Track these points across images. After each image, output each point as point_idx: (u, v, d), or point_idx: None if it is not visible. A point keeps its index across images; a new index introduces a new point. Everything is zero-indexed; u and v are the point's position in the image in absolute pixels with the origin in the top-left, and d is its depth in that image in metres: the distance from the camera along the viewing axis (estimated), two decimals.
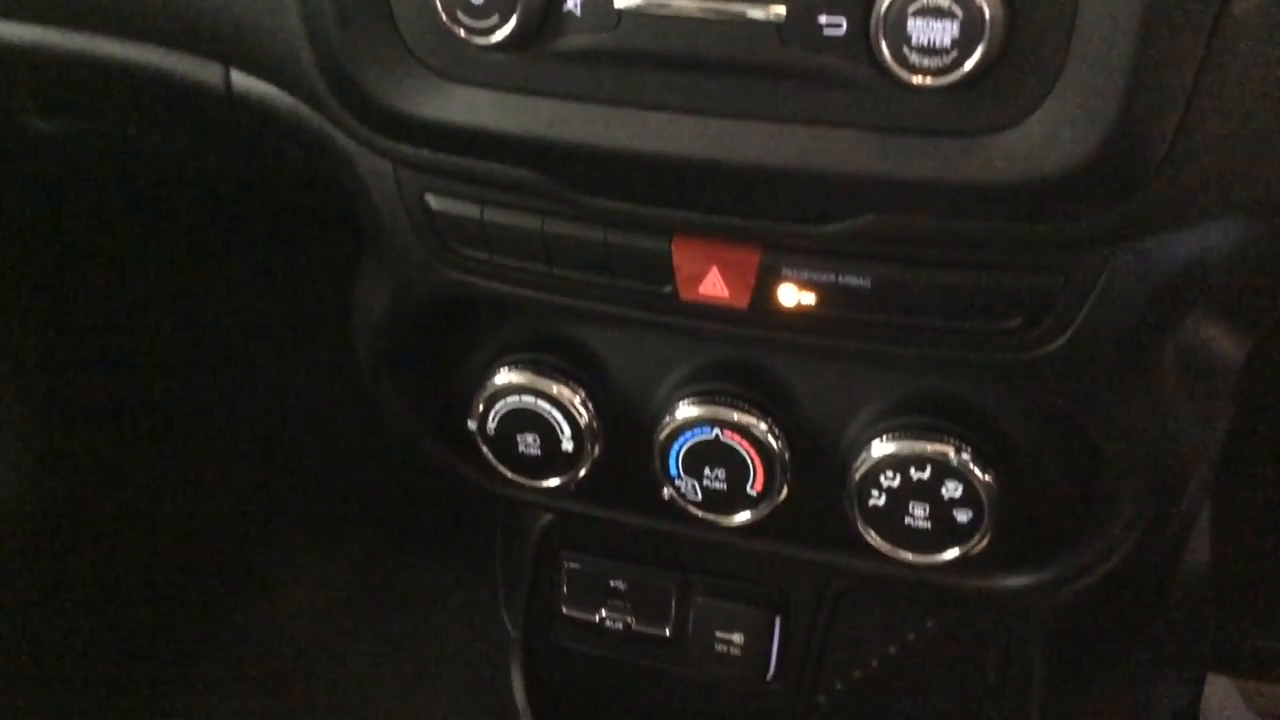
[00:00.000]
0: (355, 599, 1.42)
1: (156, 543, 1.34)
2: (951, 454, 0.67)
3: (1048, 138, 0.51)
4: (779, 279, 0.62)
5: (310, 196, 0.89)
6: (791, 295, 0.63)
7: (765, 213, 0.59)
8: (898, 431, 0.68)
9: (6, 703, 1.22)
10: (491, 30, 0.56)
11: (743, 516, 0.73)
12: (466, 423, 0.76)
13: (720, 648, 0.89)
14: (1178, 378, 0.64)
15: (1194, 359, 0.65)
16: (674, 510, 0.75)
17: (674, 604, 0.90)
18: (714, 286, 0.64)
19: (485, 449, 0.76)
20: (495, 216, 0.65)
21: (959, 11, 0.49)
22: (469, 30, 0.56)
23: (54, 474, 1.21)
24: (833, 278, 0.61)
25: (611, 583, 0.90)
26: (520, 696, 0.95)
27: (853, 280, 0.61)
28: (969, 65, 0.50)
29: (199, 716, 1.35)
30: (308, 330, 1.22)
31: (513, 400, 0.74)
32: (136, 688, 1.31)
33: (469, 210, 0.66)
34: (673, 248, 0.63)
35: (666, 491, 0.75)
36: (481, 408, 0.74)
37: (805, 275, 0.62)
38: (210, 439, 1.35)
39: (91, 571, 1.29)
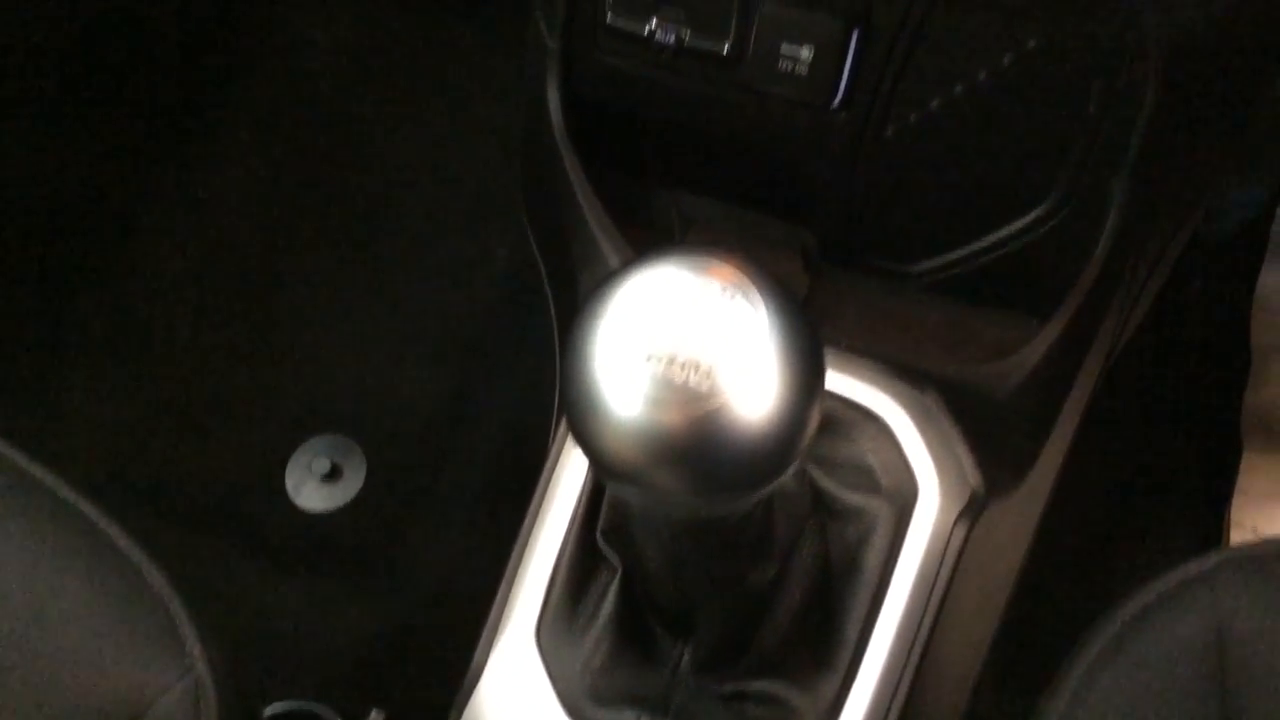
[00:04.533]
0: (377, 53, 1.32)
1: None
2: None
3: None
4: None
5: None
6: None
7: None
8: None
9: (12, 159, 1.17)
10: None
11: None
12: None
13: (784, 64, 0.78)
14: None
15: None
16: None
17: (736, 11, 0.78)
18: None
19: None
20: None
21: None
22: None
23: None
24: None
25: None
26: (557, 118, 0.86)
27: None
28: None
29: (215, 162, 1.30)
30: None
31: None
32: (132, 149, 1.26)
33: None
34: None
35: None
36: None
37: None
38: None
39: (90, 31, 1.19)
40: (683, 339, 0.43)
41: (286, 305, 1.25)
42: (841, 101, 0.79)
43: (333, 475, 1.16)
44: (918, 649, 0.69)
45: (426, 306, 1.24)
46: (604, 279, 0.46)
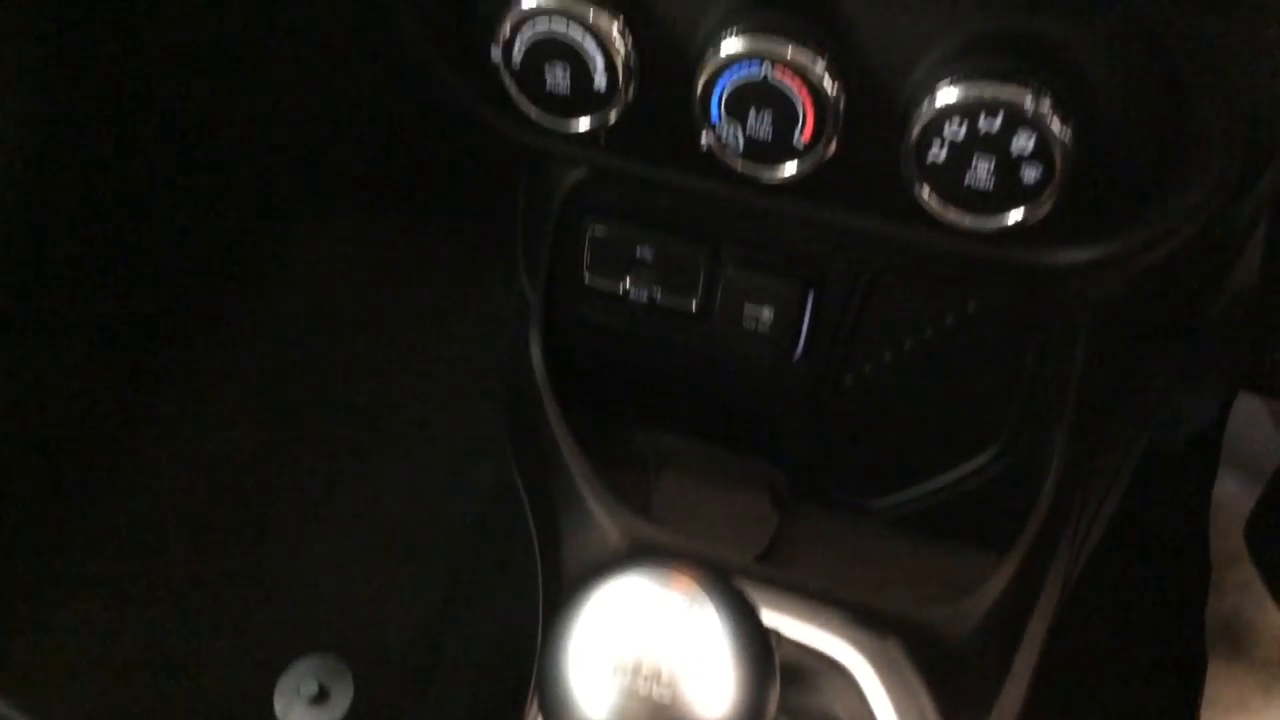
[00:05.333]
0: (368, 272, 1.39)
1: (157, 218, 1.30)
2: (1028, 100, 0.60)
3: None
4: None
5: None
6: None
7: None
8: (968, 73, 0.61)
9: (13, 377, 1.22)
10: None
11: (787, 169, 0.67)
12: (489, 51, 0.69)
13: (748, 323, 0.85)
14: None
15: None
16: (711, 163, 0.69)
17: (702, 275, 0.85)
18: None
19: (509, 82, 0.69)
20: None
21: None
22: None
23: (50, 148, 1.16)
24: None
25: (637, 251, 0.85)
26: (539, 368, 0.92)
27: None
28: None
29: (200, 391, 1.35)
30: None
31: (542, 25, 0.66)
32: (133, 368, 1.30)
33: None
34: None
35: (705, 140, 0.68)
36: (508, 33, 0.67)
37: None
38: (210, 107, 1.28)
39: (94, 250, 1.26)
40: (646, 651, 0.48)
41: (279, 524, 1.29)
42: (802, 355, 0.86)
43: (321, 697, 1.18)
44: None
45: (413, 524, 1.28)
46: (579, 586, 0.51)
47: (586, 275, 0.88)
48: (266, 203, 1.35)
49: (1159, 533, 1.25)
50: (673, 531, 0.83)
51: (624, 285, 0.87)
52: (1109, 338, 0.84)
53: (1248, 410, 1.28)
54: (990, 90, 0.60)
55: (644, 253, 0.86)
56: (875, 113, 0.65)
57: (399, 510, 1.30)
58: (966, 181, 0.63)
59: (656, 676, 0.47)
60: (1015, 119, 0.60)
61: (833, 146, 0.66)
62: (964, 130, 0.62)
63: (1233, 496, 1.28)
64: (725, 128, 0.66)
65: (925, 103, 0.62)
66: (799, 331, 0.84)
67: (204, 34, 1.17)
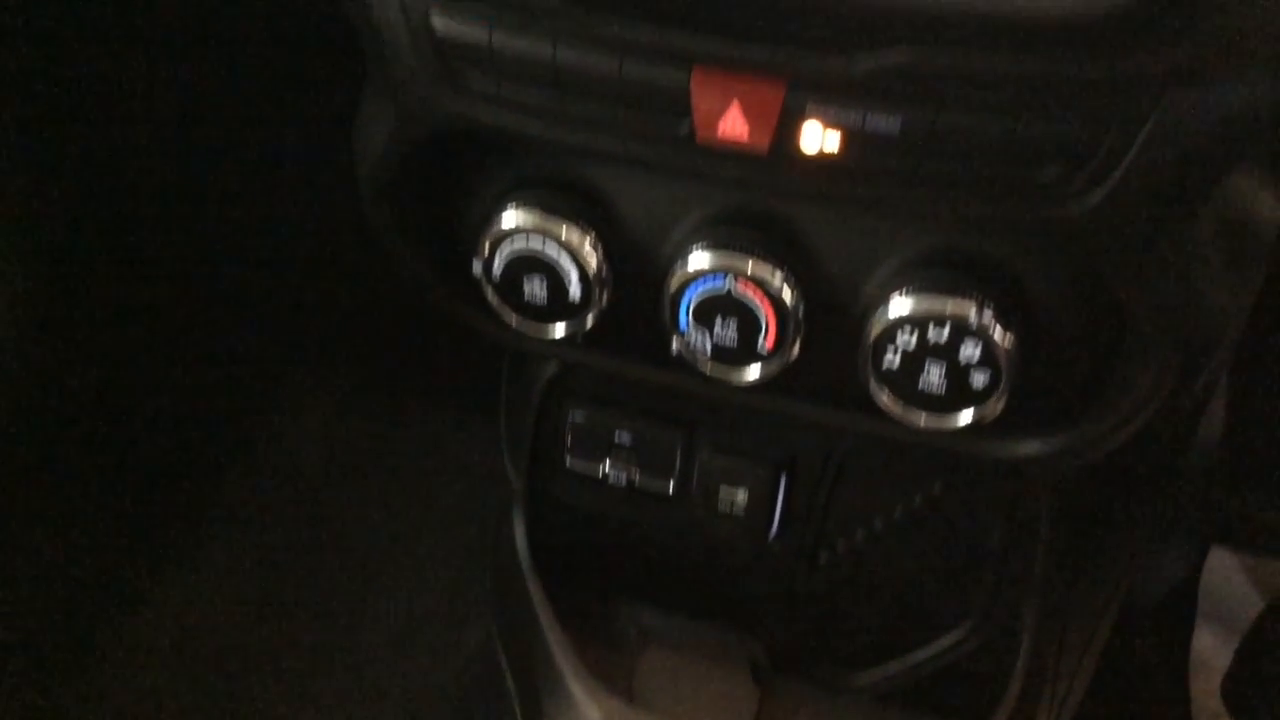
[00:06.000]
0: (360, 463, 1.42)
1: (153, 395, 1.33)
2: (972, 312, 0.64)
3: None
4: (803, 117, 0.59)
5: (313, 12, 0.84)
6: (815, 137, 0.59)
7: (792, 38, 0.55)
8: (917, 287, 0.65)
9: (11, 547, 1.23)
10: None
11: (752, 373, 0.71)
12: (471, 265, 0.73)
13: (723, 505, 0.88)
14: (1214, 239, 0.61)
15: (1232, 220, 0.61)
16: (682, 364, 0.73)
17: (678, 459, 0.88)
18: (733, 125, 0.61)
19: (491, 293, 0.74)
20: (504, 41, 0.61)
21: None
22: None
23: (50, 325, 1.20)
24: (860, 118, 0.57)
25: (616, 436, 0.89)
26: (523, 549, 0.95)
27: (881, 123, 0.57)
28: None
29: (191, 572, 1.36)
30: (310, 163, 1.18)
31: (520, 243, 0.71)
32: (128, 554, 1.32)
33: (476, 33, 0.62)
34: (691, 79, 0.60)
35: (675, 345, 0.72)
36: (488, 249, 0.72)
37: (831, 115, 0.58)
38: (205, 286, 1.33)
39: (88, 425, 1.29)
40: None
41: (266, 699, 1.29)
42: (777, 535, 0.88)
43: None
44: None
45: (398, 695, 1.28)
46: None
47: (567, 459, 0.91)
48: (255, 388, 1.39)
49: (1140, 690, 1.26)
50: (653, 715, 0.85)
51: (604, 468, 0.90)
52: (1076, 502, 0.87)
53: (1221, 563, 1.30)
54: (937, 303, 0.65)
55: (622, 437, 0.89)
56: (834, 321, 0.69)
57: (386, 680, 1.31)
58: (920, 385, 0.67)
59: None
60: (962, 330, 0.64)
61: (795, 351, 0.70)
62: (915, 339, 0.66)
63: (1211, 651, 1.29)
64: (694, 335, 0.71)
65: (879, 312, 0.67)
66: (773, 513, 0.87)
67: (204, 231, 1.22)
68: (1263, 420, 1.15)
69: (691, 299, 0.69)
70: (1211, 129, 0.55)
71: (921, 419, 0.69)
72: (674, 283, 0.69)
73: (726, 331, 0.70)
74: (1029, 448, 0.72)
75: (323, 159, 0.98)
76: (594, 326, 0.74)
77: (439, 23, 0.62)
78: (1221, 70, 0.52)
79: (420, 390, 1.38)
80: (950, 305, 0.64)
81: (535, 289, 0.73)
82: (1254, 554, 1.32)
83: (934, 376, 0.66)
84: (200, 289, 1.25)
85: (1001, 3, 0.49)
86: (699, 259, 0.68)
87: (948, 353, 0.65)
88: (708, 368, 0.72)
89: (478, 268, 0.73)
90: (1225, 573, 1.30)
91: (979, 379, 0.66)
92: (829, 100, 0.58)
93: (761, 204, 0.68)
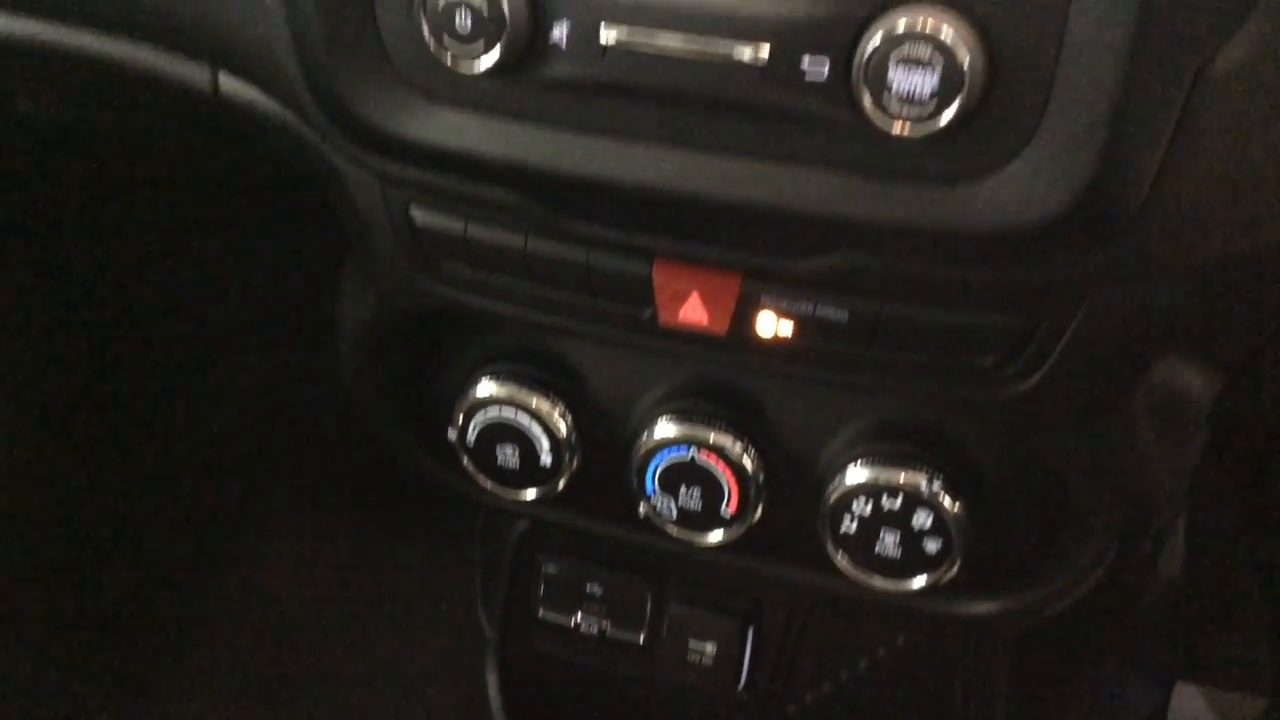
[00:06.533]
0: (334, 596, 1.43)
1: (134, 530, 1.35)
2: (923, 484, 0.67)
3: (1026, 187, 0.52)
4: (758, 307, 0.63)
5: (299, 190, 0.89)
6: (770, 324, 0.63)
7: (745, 245, 0.60)
8: (871, 458, 0.69)
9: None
10: (476, 57, 0.56)
11: (717, 536, 0.74)
12: (447, 432, 0.76)
13: (693, 656, 0.90)
14: (1148, 416, 0.65)
15: (1165, 398, 0.65)
16: (650, 526, 0.76)
17: (648, 610, 0.90)
18: (693, 311, 0.65)
19: (465, 459, 0.77)
20: (479, 233, 0.66)
21: (939, 62, 0.49)
22: (455, 57, 0.56)
23: (35, 465, 1.22)
24: (810, 308, 0.62)
25: (588, 587, 0.91)
26: (496, 699, 0.96)
27: (830, 312, 0.61)
28: (948, 115, 0.50)
29: (177, 705, 1.36)
30: (295, 323, 1.22)
31: (493, 412, 0.74)
32: (107, 681, 1.32)
33: (453, 226, 0.66)
34: (653, 271, 0.64)
35: (642, 509, 0.75)
36: (462, 419, 0.75)
37: (784, 305, 0.62)
38: (191, 427, 1.35)
39: (72, 559, 1.30)
40: None
41: None
42: (745, 685, 0.90)
43: None
44: None
45: None
46: None
47: (540, 609, 0.93)
48: (234, 518, 1.41)
49: None
50: None
51: (575, 619, 0.92)
52: (1037, 651, 0.89)
53: (1188, 700, 1.31)
54: (891, 474, 0.68)
55: (594, 588, 0.91)
56: (793, 487, 0.72)
57: None
58: (876, 550, 0.70)
59: None
60: (914, 500, 0.68)
61: (757, 515, 0.73)
62: (870, 507, 0.69)
63: None
64: (660, 500, 0.74)
65: (836, 480, 0.70)
66: (741, 664, 0.89)
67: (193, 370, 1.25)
68: (1221, 555, 1.18)
69: (657, 467, 0.72)
70: (1137, 322, 0.59)
71: (878, 582, 0.71)
72: (640, 451, 0.73)
73: (691, 498, 0.73)
74: (982, 607, 0.75)
75: (305, 321, 1.02)
76: (565, 489, 0.77)
77: (418, 215, 0.67)
78: (1142, 274, 0.57)
79: (401, 529, 1.40)
80: (903, 476, 0.68)
81: (508, 456, 0.76)
82: (1220, 688, 1.33)
83: (889, 542, 0.69)
84: (184, 430, 1.28)
85: (937, 217, 0.53)
86: (664, 429, 0.72)
87: (901, 521, 0.68)
88: (674, 531, 0.75)
89: (453, 435, 0.76)
90: (1192, 710, 1.31)
91: (931, 546, 0.69)
92: (781, 292, 0.62)
93: (723, 377, 0.72)
